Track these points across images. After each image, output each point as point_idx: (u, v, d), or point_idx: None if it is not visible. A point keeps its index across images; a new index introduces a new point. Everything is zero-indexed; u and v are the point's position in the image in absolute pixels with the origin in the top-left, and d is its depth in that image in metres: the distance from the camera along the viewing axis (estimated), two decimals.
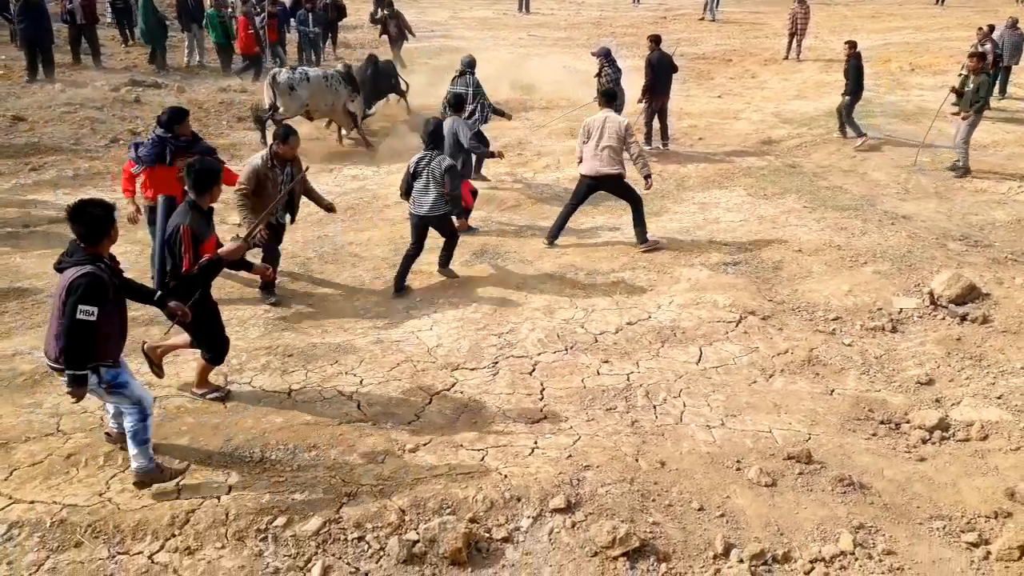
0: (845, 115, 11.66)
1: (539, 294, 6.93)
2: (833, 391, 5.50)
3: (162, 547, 3.85)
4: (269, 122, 10.38)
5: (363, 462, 4.57)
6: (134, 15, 16.70)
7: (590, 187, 7.86)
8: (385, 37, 16.51)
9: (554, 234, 7.99)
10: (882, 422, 5.15)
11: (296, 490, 4.28)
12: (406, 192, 6.86)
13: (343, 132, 11.59)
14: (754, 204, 9.33)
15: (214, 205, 4.97)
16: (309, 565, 3.78)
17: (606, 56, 10.76)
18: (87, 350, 3.88)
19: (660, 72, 10.96)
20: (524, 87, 14.83)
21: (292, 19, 16.60)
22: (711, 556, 3.91)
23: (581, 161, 7.87)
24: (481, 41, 18.88)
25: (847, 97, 11.55)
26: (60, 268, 3.97)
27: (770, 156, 11.27)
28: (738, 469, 4.60)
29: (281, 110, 10.35)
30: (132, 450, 4.21)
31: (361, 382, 5.45)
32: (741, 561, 3.83)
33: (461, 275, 7.23)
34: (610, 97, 8.00)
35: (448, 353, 5.90)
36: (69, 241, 4.02)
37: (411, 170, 6.77)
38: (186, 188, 4.81)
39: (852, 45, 11.52)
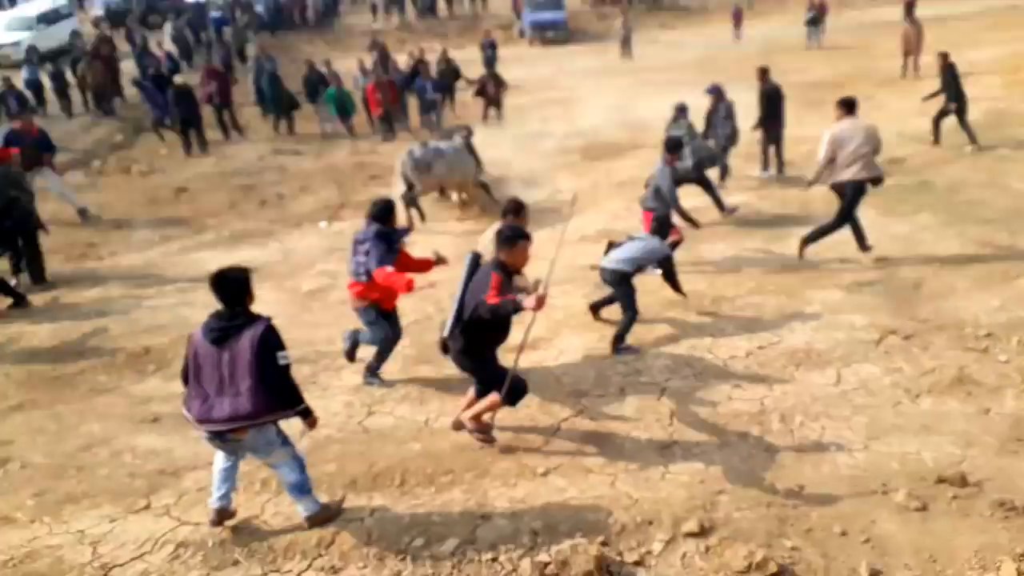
0: (961, 124, 11.42)
1: (663, 322, 6.89)
2: (989, 411, 5.10)
3: (309, 566, 4.12)
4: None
5: (497, 485, 4.70)
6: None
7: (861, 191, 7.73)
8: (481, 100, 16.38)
9: (862, 239, 7.81)
10: None
11: (434, 512, 4.47)
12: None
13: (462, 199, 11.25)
14: (885, 223, 8.84)
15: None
16: None
17: (718, 92, 10.74)
18: (296, 390, 4.25)
19: (774, 102, 10.81)
20: (632, 127, 14.92)
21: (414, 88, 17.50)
22: None
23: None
24: (584, 90, 19.17)
25: (952, 104, 11.33)
26: (223, 333, 4.03)
27: (898, 174, 10.63)
28: (884, 493, 4.34)
29: (418, 188, 10.32)
30: (299, 501, 4.37)
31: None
32: None
33: (582, 307, 7.31)
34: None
35: (575, 381, 5.98)
36: (212, 314, 4.13)
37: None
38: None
39: (944, 56, 11.46)
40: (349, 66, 19.23)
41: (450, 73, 17.75)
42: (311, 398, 5.87)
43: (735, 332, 6.57)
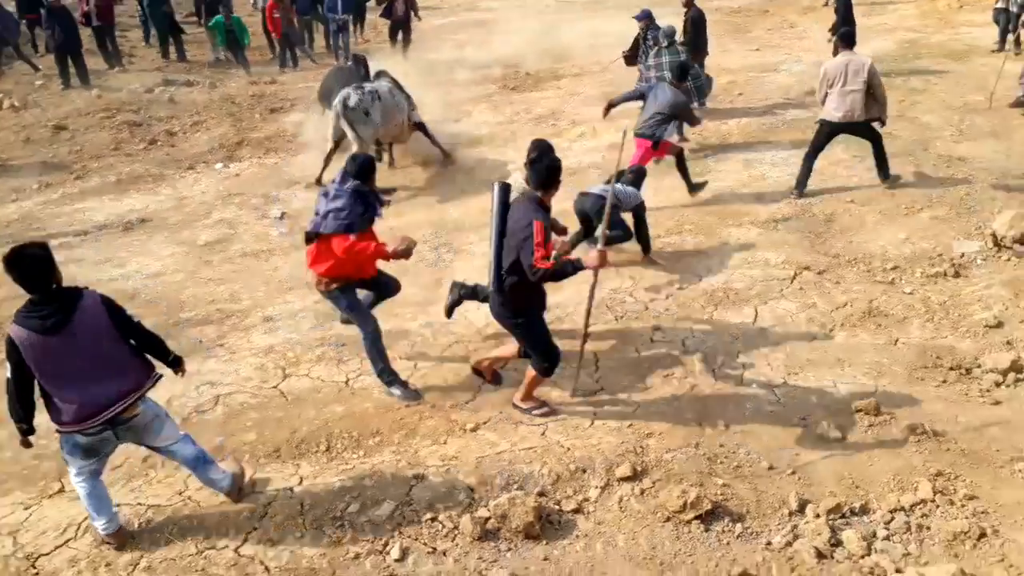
0: None
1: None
2: (897, 341, 5.37)
3: (245, 540, 3.94)
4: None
5: (427, 444, 4.62)
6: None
7: (832, 132, 7.69)
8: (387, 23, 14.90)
9: (801, 183, 7.82)
10: (952, 368, 5.01)
11: (365, 476, 4.34)
12: None
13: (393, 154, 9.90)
14: (800, 157, 9.06)
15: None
16: (387, 548, 3.83)
17: (648, 18, 10.44)
18: (162, 341, 4.05)
19: (699, 28, 10.69)
20: (555, 56, 14.59)
21: (318, 6, 16.43)
22: (786, 513, 3.87)
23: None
24: (507, 12, 18.60)
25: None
26: (57, 320, 3.47)
27: (815, 107, 10.83)
28: (805, 426, 4.53)
29: (362, 143, 8.52)
30: (209, 473, 4.09)
31: (415, 366, 5.48)
32: (818, 516, 3.78)
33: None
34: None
35: (497, 331, 5.87)
36: (26, 306, 3.51)
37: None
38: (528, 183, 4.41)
39: None
40: None
41: None
42: (219, 362, 5.64)
43: (655, 274, 6.62)
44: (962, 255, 6.39)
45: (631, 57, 10.76)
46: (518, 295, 4.42)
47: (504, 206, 4.43)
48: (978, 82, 10.86)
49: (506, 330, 4.80)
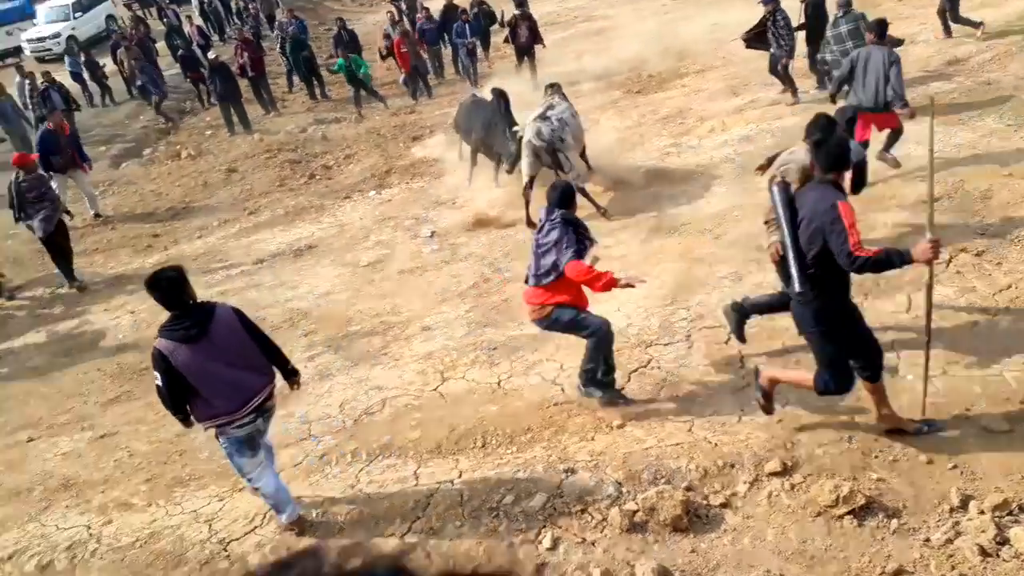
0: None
1: (724, 263, 6.85)
2: None
3: (410, 528, 4.35)
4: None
5: (575, 440, 4.84)
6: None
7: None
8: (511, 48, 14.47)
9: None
10: None
11: (519, 470, 4.63)
12: None
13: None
14: (947, 132, 8.49)
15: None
16: (539, 537, 4.09)
17: (775, 1, 10.16)
18: (282, 351, 4.53)
19: (821, 12, 10.29)
20: (676, 54, 14.48)
21: (446, 34, 17.17)
22: (947, 509, 3.74)
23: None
24: (623, 17, 18.62)
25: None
26: (197, 331, 3.95)
27: (959, 77, 10.13)
28: (967, 418, 4.33)
29: (570, 174, 8.07)
30: (272, 472, 4.46)
31: (561, 367, 5.72)
32: (982, 512, 3.63)
33: (640, 255, 7.30)
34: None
35: (640, 332, 6.02)
36: (168, 322, 4.01)
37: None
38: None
39: None
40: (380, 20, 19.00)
41: (485, 15, 16.48)
42: (384, 369, 6.17)
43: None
44: None
45: (754, 39, 10.54)
46: (823, 295, 3.94)
47: (789, 203, 4.02)
48: None
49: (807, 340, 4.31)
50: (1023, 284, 5.49)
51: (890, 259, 3.69)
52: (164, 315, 4.06)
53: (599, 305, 6.53)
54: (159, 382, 4.03)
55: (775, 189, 4.14)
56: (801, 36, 10.54)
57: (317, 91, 16.89)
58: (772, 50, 10.39)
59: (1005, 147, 7.74)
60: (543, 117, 8.35)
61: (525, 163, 8.35)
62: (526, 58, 14.34)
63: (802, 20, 10.47)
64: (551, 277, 4.78)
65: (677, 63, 14.15)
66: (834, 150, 3.97)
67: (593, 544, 4.01)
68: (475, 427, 5.14)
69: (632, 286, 4.85)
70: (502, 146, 8.93)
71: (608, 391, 5.03)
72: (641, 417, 4.94)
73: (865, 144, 6.71)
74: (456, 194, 9.65)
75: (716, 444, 4.52)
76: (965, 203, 6.86)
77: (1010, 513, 3.64)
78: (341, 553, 1.18)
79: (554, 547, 4.03)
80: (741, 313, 5.33)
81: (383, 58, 16.44)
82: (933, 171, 4.00)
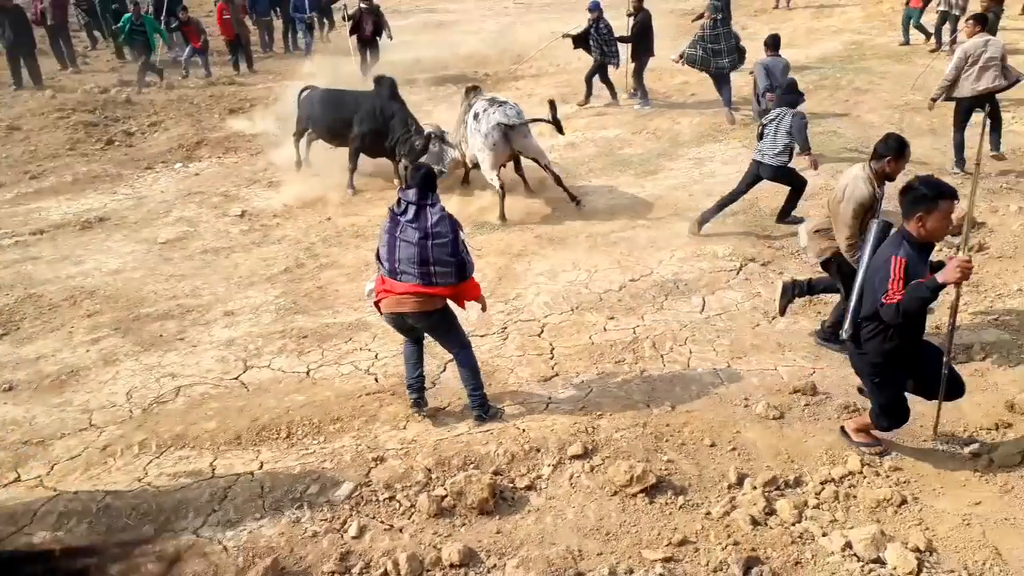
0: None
1: (542, 259, 7.08)
2: None
3: (204, 522, 4.04)
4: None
5: (386, 429, 4.76)
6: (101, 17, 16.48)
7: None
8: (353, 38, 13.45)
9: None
10: None
11: (325, 460, 4.47)
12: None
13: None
14: (749, 155, 9.35)
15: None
16: (345, 526, 3.96)
17: (599, 10, 10.95)
18: None
19: (648, 32, 11.11)
20: (514, 57, 14.82)
21: (279, 7, 16.32)
22: (726, 486, 4.09)
23: None
24: (466, 13, 18.80)
25: None
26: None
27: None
28: (746, 406, 4.77)
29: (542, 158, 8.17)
30: None
31: (376, 356, 5.62)
32: (754, 488, 4.01)
33: None
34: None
35: None
36: None
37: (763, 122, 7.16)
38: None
39: None
40: None
41: None
42: (180, 355, 5.72)
43: (609, 267, 6.85)
44: None
45: (578, 41, 11.31)
46: (873, 344, 3.89)
47: (879, 243, 3.89)
48: (919, 83, 11.33)
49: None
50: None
51: (919, 295, 3.52)
52: None
53: None
54: None
55: (873, 226, 3.99)
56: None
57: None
58: (594, 56, 11.11)
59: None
60: (497, 102, 8.07)
61: (490, 153, 7.87)
62: (368, 52, 13.72)
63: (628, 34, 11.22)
64: (453, 279, 4.49)
65: (512, 65, 14.49)
66: (919, 187, 3.73)
67: (401, 530, 3.95)
68: (280, 417, 4.89)
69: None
70: (401, 140, 8.46)
71: (489, 411, 4.80)
72: (455, 406, 4.96)
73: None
74: (274, 174, 9.17)
75: (524, 430, 4.63)
76: (756, 219, 7.60)
77: (777, 488, 4.05)
78: None
79: (360, 535, 3.92)
80: (794, 295, 5.59)
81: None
82: (975, 190, 4.03)
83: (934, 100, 8.34)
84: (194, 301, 6.54)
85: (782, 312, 5.66)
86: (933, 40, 13.54)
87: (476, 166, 8.37)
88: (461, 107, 8.53)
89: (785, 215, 7.33)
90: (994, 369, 5.02)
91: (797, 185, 7.21)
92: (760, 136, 7.20)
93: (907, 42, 14.00)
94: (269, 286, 6.79)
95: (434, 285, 4.48)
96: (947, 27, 13.27)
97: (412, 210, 4.48)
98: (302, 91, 9.44)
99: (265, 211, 8.42)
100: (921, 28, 13.87)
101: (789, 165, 7.11)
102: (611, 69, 11.41)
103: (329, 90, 9.36)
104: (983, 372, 5.00)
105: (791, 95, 7.20)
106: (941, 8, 13.26)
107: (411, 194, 4.50)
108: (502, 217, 7.91)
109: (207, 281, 6.91)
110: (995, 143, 8.36)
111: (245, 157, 10.13)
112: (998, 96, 8.18)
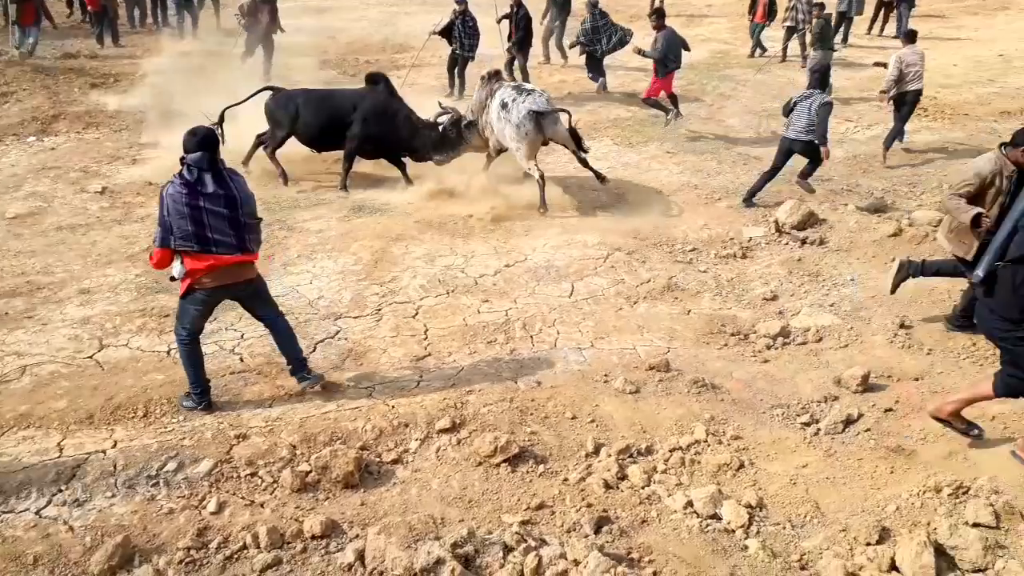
0: None
1: (419, 244, 7.14)
2: (690, 311, 6.05)
3: (49, 502, 3.85)
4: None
5: (251, 408, 4.68)
6: None
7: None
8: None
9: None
10: (732, 334, 5.73)
11: (184, 438, 4.35)
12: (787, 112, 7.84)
13: None
14: (620, 152, 9.85)
15: None
16: (204, 503, 3.89)
17: (466, 4, 11.37)
18: None
19: (529, 28, 11.47)
20: (395, 46, 14.75)
21: None
22: (583, 455, 4.31)
23: None
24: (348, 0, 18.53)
25: None
26: None
27: (634, 107, 11.82)
28: (606, 382, 5.03)
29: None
30: None
31: (242, 336, 5.50)
32: (609, 456, 4.25)
33: (338, 231, 7.31)
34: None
35: (330, 304, 6.03)
36: None
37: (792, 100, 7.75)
38: None
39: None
40: None
41: None
42: (28, 333, 5.41)
43: (486, 253, 7.01)
44: (749, 239, 7.27)
45: (443, 32, 11.72)
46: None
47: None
48: (776, 91, 12.23)
49: (993, 343, 4.07)
50: (658, 279, 6.52)
51: None
52: None
53: (293, 277, 6.44)
54: None
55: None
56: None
57: None
58: (454, 48, 11.44)
59: (661, 169, 9.17)
60: (525, 90, 8.00)
61: (525, 143, 7.80)
62: (261, 45, 12.80)
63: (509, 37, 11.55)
64: (260, 243, 4.55)
65: (394, 55, 14.41)
66: None
67: (262, 505, 3.91)
68: (137, 396, 4.71)
69: None
70: (421, 140, 8.22)
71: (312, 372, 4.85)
72: (323, 384, 4.94)
73: None
74: (140, 151, 8.73)
75: (393, 406, 4.69)
76: (625, 211, 7.97)
77: (630, 456, 4.31)
78: None
79: (219, 511, 3.85)
80: (909, 273, 5.63)
81: None
82: None
83: (884, 92, 9.39)
84: (46, 279, 6.16)
85: (893, 290, 5.73)
86: (780, 52, 14.65)
87: (500, 152, 8.41)
88: (481, 92, 8.37)
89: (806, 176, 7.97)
90: (826, 349, 5.53)
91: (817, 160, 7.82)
92: (789, 111, 7.83)
93: (753, 54, 15.03)
94: (130, 264, 6.48)
95: (251, 252, 4.47)
96: (795, 41, 14.39)
97: (209, 178, 4.25)
98: (262, 93, 8.55)
99: (128, 188, 8.01)
100: (759, 43, 14.95)
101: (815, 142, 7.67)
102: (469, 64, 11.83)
103: (315, 91, 8.75)
104: (817, 352, 5.50)
105: (823, 78, 7.84)
106: (788, 24, 14.39)
107: (199, 159, 4.23)
108: (543, 206, 7.81)
109: (61, 259, 6.52)
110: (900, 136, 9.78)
111: (107, 133, 9.58)
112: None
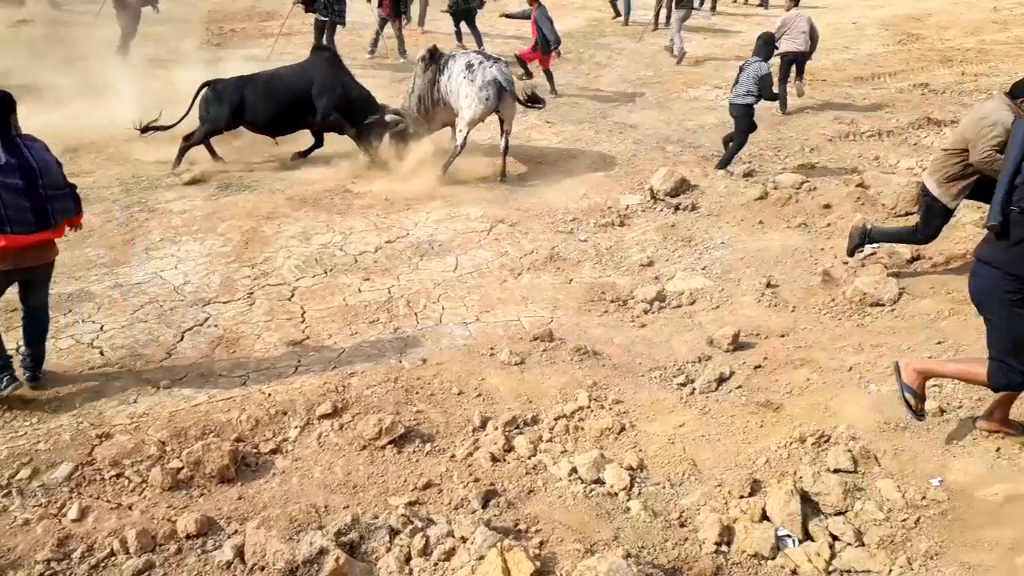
0: None
1: (293, 222, 6.86)
2: (572, 280, 6.14)
3: None
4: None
5: (114, 404, 4.37)
6: None
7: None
8: None
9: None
10: (612, 301, 5.86)
11: (39, 441, 4.01)
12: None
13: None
14: (521, 123, 9.78)
15: None
16: (64, 510, 3.60)
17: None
18: None
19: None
20: (263, 14, 14.01)
21: None
22: (471, 430, 4.30)
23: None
24: None
25: None
26: None
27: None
28: (492, 355, 5.03)
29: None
30: None
31: (102, 328, 5.13)
32: (496, 429, 4.26)
33: (204, 211, 6.91)
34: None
35: (197, 289, 5.71)
36: None
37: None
38: None
39: None
40: None
41: None
42: None
43: (365, 229, 6.82)
44: (627, 207, 7.44)
45: (307, 3, 11.40)
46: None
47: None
48: (648, 59, 12.54)
49: (984, 313, 3.66)
50: (541, 250, 6.57)
51: None
52: None
53: (157, 262, 6.05)
54: None
55: (1019, 126, 3.56)
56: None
57: None
58: (319, 15, 11.13)
59: (540, 138, 9.21)
60: (492, 58, 8.10)
61: (480, 107, 7.84)
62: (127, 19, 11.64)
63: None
64: (72, 211, 4.32)
65: (261, 23, 13.71)
66: None
67: (130, 507, 3.67)
68: None
69: None
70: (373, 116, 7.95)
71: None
72: (193, 375, 4.68)
73: None
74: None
75: (270, 394, 4.50)
76: (507, 183, 7.96)
77: (516, 427, 4.34)
78: None
79: (82, 517, 3.58)
80: (861, 241, 5.94)
81: None
82: None
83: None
84: None
85: (850, 254, 6.11)
86: (652, 20, 15.10)
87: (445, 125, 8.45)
88: (426, 73, 8.13)
89: (725, 163, 8.22)
90: (699, 311, 5.76)
91: (747, 128, 8.08)
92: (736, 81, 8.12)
93: (617, 15, 15.42)
94: None
95: (57, 226, 4.17)
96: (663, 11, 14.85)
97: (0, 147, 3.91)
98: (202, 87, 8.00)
99: None
100: (612, 3, 15.39)
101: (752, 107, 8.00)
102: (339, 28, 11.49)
103: (258, 75, 8.11)
104: (691, 314, 5.72)
105: (767, 47, 8.10)
106: None
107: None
108: (444, 169, 7.89)
109: None
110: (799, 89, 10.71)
111: None
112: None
